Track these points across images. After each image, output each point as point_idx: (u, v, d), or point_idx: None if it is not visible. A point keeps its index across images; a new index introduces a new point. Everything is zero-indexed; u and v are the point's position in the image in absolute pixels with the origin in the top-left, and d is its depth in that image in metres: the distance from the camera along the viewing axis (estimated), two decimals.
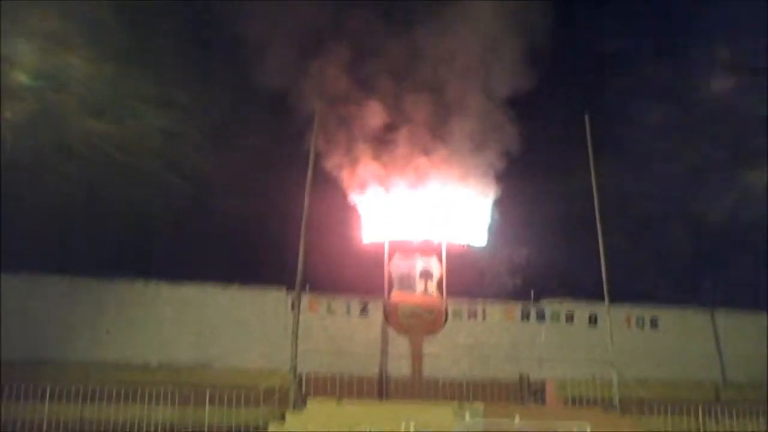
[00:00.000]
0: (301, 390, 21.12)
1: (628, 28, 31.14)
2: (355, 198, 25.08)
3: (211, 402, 20.36)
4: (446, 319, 24.72)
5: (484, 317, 25.42)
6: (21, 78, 19.89)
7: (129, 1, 21.84)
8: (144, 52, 22.00)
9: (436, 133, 25.38)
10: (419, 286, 24.77)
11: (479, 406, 20.93)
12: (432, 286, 24.75)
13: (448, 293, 24.78)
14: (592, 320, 25.66)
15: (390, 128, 25.50)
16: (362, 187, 25.07)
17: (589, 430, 18.47)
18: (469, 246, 25.10)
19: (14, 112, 19.87)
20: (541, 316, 25.81)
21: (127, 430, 20.00)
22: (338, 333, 24.52)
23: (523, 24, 25.00)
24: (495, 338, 25.18)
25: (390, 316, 24.45)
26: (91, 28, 20.40)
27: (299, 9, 24.94)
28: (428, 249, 24.86)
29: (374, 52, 25.59)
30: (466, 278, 26.38)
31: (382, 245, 24.74)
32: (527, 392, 23.18)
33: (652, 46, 31.79)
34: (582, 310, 25.95)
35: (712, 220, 31.21)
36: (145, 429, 20.05)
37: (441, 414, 19.62)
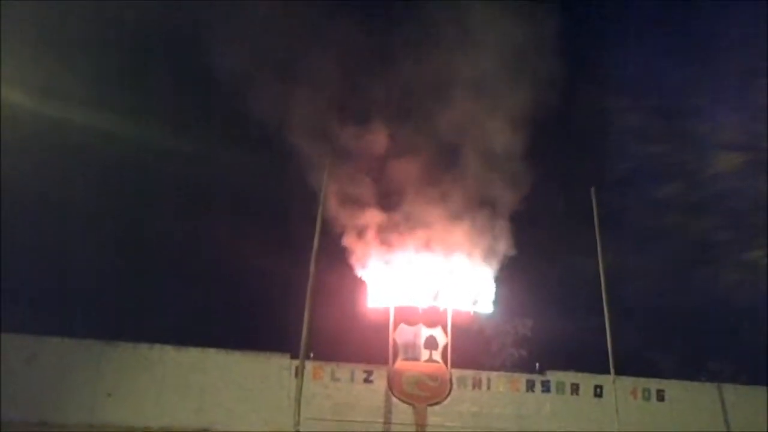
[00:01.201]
0: None
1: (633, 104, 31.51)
2: (361, 265, 25.13)
3: None
4: (451, 389, 24.54)
5: (488, 387, 25.27)
6: None
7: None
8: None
9: (442, 201, 25.55)
10: (424, 354, 24.66)
11: None
12: (437, 354, 24.63)
13: (453, 363, 24.67)
14: (598, 392, 25.48)
15: (396, 195, 25.72)
16: (367, 254, 25.15)
17: None
18: (474, 313, 25.05)
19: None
20: (546, 388, 25.61)
21: None
22: (342, 401, 24.40)
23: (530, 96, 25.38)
24: (499, 409, 25.01)
25: (394, 384, 24.25)
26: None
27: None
28: (433, 317, 24.79)
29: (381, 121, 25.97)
30: (471, 348, 26.38)
31: (386, 313, 24.67)
32: None
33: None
34: (587, 382, 25.75)
35: (718, 297, 31.25)
36: None
37: None
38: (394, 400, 24.30)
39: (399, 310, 24.67)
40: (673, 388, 26.41)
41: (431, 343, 24.62)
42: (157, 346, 24.30)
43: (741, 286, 29.98)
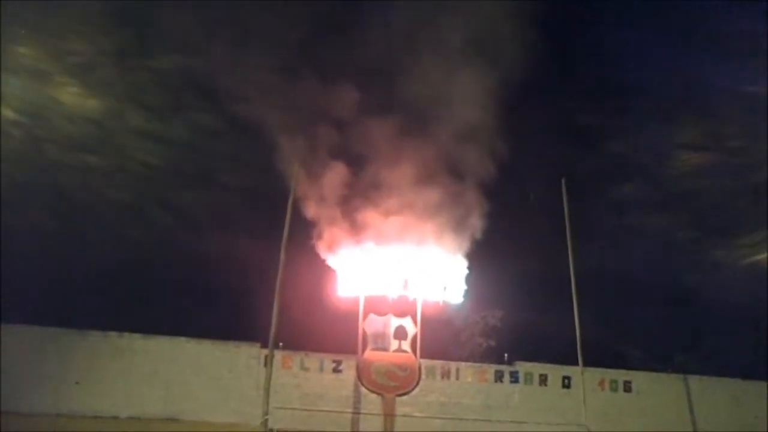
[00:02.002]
0: None
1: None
2: (330, 254, 25.16)
3: None
4: (419, 379, 24.65)
5: (457, 377, 25.30)
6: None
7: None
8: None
9: (413, 191, 25.63)
10: (393, 344, 24.74)
11: None
12: (406, 344, 24.72)
13: (422, 353, 24.77)
14: (566, 383, 25.62)
15: (367, 184, 25.77)
16: (337, 243, 25.20)
17: None
18: (444, 303, 25.15)
19: None
20: (514, 378, 25.73)
21: None
22: (311, 390, 24.31)
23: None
24: (468, 399, 25.05)
25: (363, 374, 24.34)
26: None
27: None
28: (403, 307, 24.88)
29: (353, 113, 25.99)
30: (440, 339, 26.44)
31: (356, 303, 24.74)
32: None
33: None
34: (556, 373, 25.90)
35: (685, 292, 31.55)
36: None
37: None
38: (363, 389, 24.38)
39: (369, 300, 24.79)
40: (640, 379, 26.61)
41: (401, 333, 24.75)
42: (126, 335, 24.12)
43: (706, 282, 30.28)
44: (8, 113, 18.96)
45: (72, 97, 19.21)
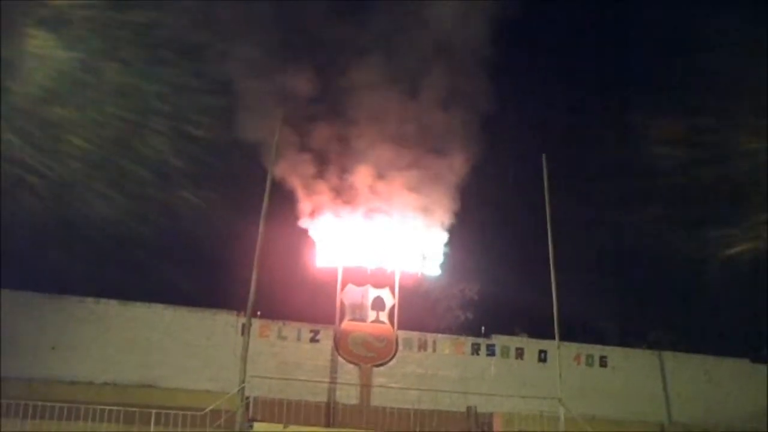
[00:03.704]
0: (248, 413, 20.98)
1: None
2: (310, 224, 25.12)
3: (157, 422, 20.10)
4: (396, 350, 24.72)
5: (434, 349, 25.36)
6: None
7: None
8: None
9: (393, 161, 25.60)
10: (371, 315, 24.80)
11: None
12: (384, 315, 24.77)
13: (400, 324, 24.83)
14: (542, 357, 25.74)
15: (347, 155, 25.69)
16: (317, 213, 25.17)
17: None
18: (422, 275, 25.21)
19: None
20: (491, 351, 25.83)
21: None
22: (288, 359, 24.32)
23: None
24: (444, 371, 25.13)
25: (340, 344, 24.39)
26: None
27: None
28: (381, 278, 24.91)
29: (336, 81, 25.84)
30: (418, 310, 26.52)
31: (334, 273, 24.75)
32: (474, 424, 23.20)
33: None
34: (532, 347, 26.03)
35: (659, 272, 31.72)
36: None
37: None
38: (340, 359, 24.45)
39: (347, 271, 24.84)
40: (616, 354, 26.81)
41: (378, 304, 24.83)
42: (103, 301, 24.02)
43: (684, 261, 30.41)
44: None
45: (45, 50, 18.81)
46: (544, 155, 24.41)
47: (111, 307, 24.04)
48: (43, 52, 18.19)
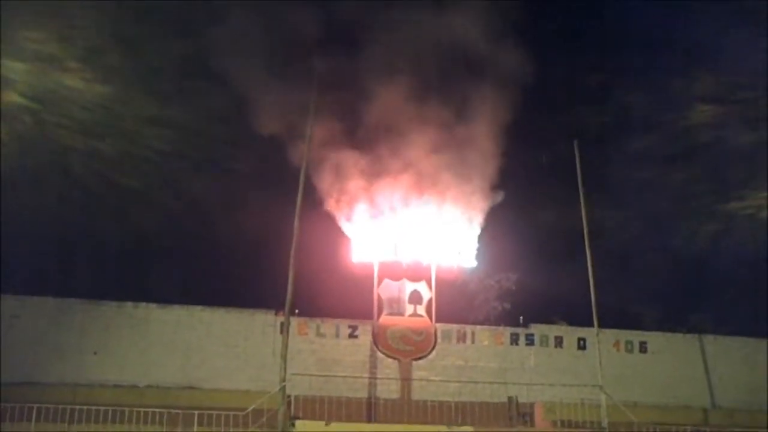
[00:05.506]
0: (290, 412, 21.06)
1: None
2: (345, 220, 25.15)
3: (200, 423, 20.24)
4: (435, 343, 24.73)
5: (473, 341, 25.38)
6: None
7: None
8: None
9: (428, 156, 25.55)
10: (408, 309, 24.82)
11: (468, 428, 21.01)
12: (421, 309, 24.78)
13: (438, 317, 24.82)
14: (581, 344, 25.66)
15: (382, 150, 25.66)
16: (352, 209, 25.18)
17: None
18: (459, 267, 25.17)
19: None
20: (530, 341, 25.78)
21: None
22: (327, 356, 24.49)
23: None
24: (484, 362, 25.13)
25: (379, 339, 24.44)
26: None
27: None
28: (417, 272, 24.91)
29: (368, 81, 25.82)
30: (455, 302, 26.48)
31: (371, 268, 24.76)
32: (516, 415, 23.13)
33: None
34: (571, 335, 25.95)
35: (699, 252, 31.36)
36: None
37: None
38: (380, 354, 24.52)
39: (383, 265, 24.86)
40: (655, 340, 26.66)
41: (415, 297, 24.85)
42: (143, 305, 24.30)
43: (720, 238, 30.02)
44: (16, 98, 18.83)
45: (81, 82, 19.09)
46: (575, 141, 24.32)
47: (150, 310, 24.31)
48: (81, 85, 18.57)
